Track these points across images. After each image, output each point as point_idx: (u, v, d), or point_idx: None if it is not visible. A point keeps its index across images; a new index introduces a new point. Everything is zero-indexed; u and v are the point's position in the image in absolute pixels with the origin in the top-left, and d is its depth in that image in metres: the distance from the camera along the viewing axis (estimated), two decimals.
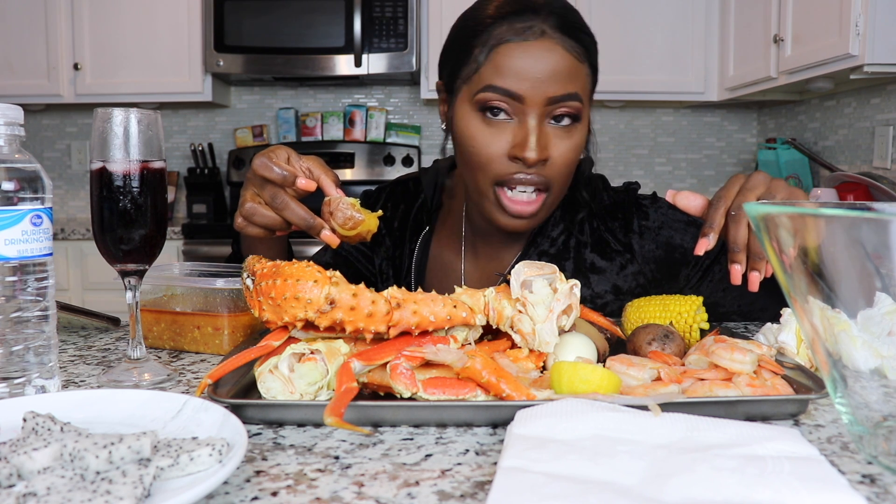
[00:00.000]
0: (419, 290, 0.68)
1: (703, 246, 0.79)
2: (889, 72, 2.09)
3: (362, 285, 0.66)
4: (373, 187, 1.24)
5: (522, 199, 0.95)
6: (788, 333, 0.75)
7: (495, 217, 0.98)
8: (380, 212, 0.86)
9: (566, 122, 0.94)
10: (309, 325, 0.65)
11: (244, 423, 0.54)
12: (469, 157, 0.97)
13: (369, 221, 0.83)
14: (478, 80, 0.94)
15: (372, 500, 0.47)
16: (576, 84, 0.93)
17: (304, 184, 0.83)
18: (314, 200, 0.84)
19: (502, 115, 0.93)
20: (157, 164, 0.75)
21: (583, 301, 0.92)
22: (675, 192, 0.84)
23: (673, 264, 1.05)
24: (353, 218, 0.81)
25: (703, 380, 0.64)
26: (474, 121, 0.95)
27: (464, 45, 0.97)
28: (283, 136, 3.47)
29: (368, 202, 1.20)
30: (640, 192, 1.12)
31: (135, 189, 0.73)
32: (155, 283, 0.92)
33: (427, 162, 3.46)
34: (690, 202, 0.83)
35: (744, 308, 1.06)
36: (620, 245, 1.05)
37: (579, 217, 1.07)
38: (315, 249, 1.26)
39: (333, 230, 0.82)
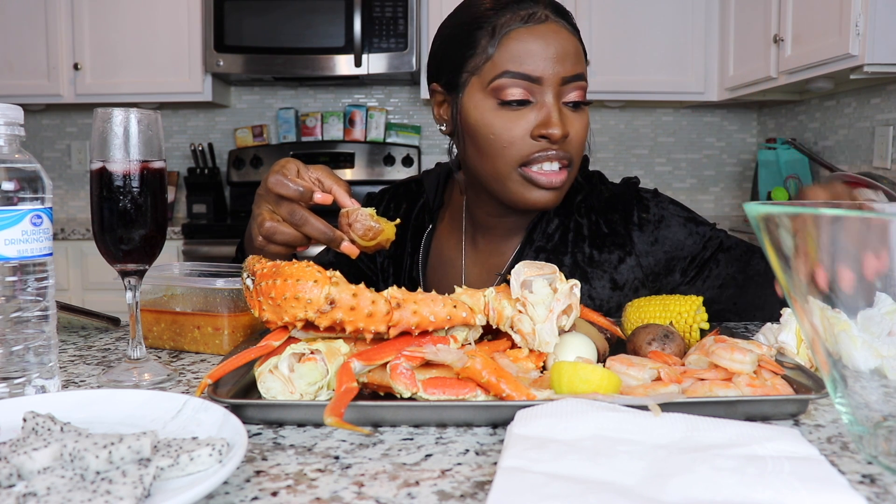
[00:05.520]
0: (419, 289, 0.68)
1: None
2: (889, 72, 2.09)
3: (362, 285, 0.66)
4: (375, 188, 1.25)
5: (553, 171, 0.97)
6: (788, 333, 0.75)
7: (523, 195, 0.98)
8: (397, 220, 0.86)
9: (578, 102, 0.98)
10: (309, 325, 0.65)
11: (244, 423, 0.54)
12: (488, 144, 0.98)
13: (388, 230, 0.83)
14: (491, 69, 0.96)
15: (372, 500, 0.47)
16: (582, 64, 0.98)
17: (321, 198, 0.84)
18: (323, 208, 0.84)
19: (520, 100, 0.96)
20: (157, 164, 0.75)
21: (581, 296, 0.92)
22: None
23: (671, 258, 1.06)
24: (372, 228, 0.82)
25: (703, 380, 0.64)
26: (490, 108, 0.97)
27: (466, 40, 0.99)
28: (283, 136, 3.47)
29: (371, 204, 1.21)
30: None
31: (135, 189, 0.73)
32: (155, 283, 0.92)
33: (427, 161, 3.47)
34: None
35: (740, 305, 1.06)
36: (619, 238, 1.05)
37: (577, 200, 1.08)
38: (317, 249, 1.27)
39: (353, 241, 0.83)
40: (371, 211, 0.83)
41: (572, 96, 0.96)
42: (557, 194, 0.99)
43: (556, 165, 0.96)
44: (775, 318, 0.81)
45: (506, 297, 0.69)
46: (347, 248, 0.83)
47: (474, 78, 0.98)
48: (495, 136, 0.96)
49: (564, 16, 0.99)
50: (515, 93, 0.95)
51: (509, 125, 0.95)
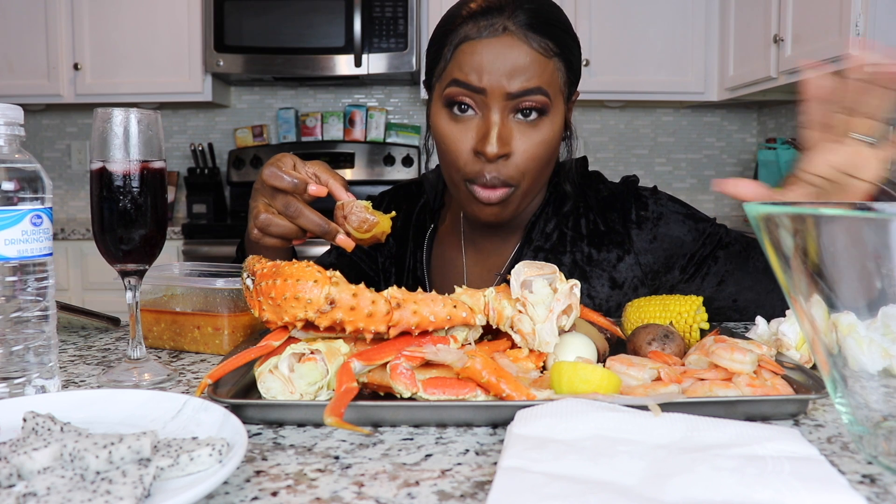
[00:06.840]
0: (419, 289, 0.68)
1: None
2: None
3: (362, 285, 0.66)
4: (375, 188, 1.25)
5: (490, 188, 0.96)
6: (791, 325, 0.75)
7: (469, 208, 1.00)
8: (393, 213, 0.87)
9: (533, 116, 0.95)
10: (309, 325, 0.65)
11: (244, 423, 0.54)
12: (442, 153, 1.00)
13: (383, 223, 0.83)
14: (445, 77, 0.98)
15: (372, 500, 0.47)
16: (540, 78, 0.94)
17: (315, 190, 0.84)
18: (323, 205, 0.84)
19: (469, 111, 0.95)
20: (157, 164, 0.75)
21: (580, 295, 0.92)
22: (720, 181, 0.79)
23: (670, 256, 1.06)
24: (367, 220, 0.82)
25: (703, 380, 0.64)
26: (444, 117, 0.98)
27: (437, 45, 1.01)
28: (283, 136, 3.47)
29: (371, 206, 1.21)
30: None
31: (135, 189, 0.73)
32: (155, 283, 0.92)
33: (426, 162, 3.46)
34: (742, 190, 0.78)
35: (740, 303, 1.06)
36: (618, 237, 1.06)
37: (565, 209, 1.08)
38: (317, 249, 1.27)
39: (348, 234, 0.82)
40: (367, 203, 0.83)
41: (525, 108, 0.93)
42: (500, 209, 0.98)
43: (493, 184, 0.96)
44: (776, 316, 0.81)
45: (506, 297, 0.69)
46: (343, 240, 0.82)
47: (437, 84, 1.00)
48: (446, 146, 0.98)
49: (540, 26, 0.94)
50: (463, 104, 0.95)
51: (457, 137, 0.96)
